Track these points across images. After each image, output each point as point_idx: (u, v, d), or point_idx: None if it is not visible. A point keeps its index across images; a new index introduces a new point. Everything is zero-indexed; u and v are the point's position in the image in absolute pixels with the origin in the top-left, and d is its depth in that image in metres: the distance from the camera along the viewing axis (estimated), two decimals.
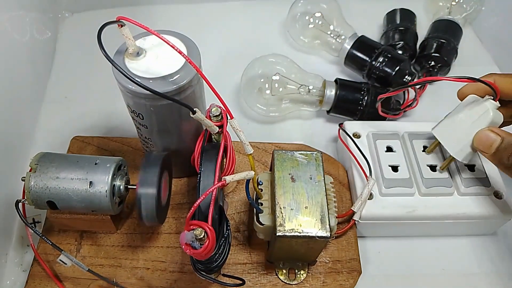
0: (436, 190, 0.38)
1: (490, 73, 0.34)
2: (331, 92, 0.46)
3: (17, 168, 0.41)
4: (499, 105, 0.33)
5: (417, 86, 0.50)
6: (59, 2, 0.59)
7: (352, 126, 0.43)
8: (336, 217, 0.33)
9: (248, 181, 0.31)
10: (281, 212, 0.31)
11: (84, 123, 0.48)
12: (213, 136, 0.34)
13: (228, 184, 0.28)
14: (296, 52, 0.56)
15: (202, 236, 0.26)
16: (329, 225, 0.31)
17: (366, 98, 0.46)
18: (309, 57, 0.55)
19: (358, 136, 0.42)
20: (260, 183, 0.34)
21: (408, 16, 0.53)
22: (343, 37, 0.50)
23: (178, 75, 0.30)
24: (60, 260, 0.32)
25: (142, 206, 0.31)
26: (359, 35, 0.50)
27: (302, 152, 0.34)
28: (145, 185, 0.31)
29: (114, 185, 0.32)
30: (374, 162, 0.40)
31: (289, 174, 0.33)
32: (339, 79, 0.47)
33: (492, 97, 0.33)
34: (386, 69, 0.47)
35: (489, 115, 0.32)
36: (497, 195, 0.38)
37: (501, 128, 0.33)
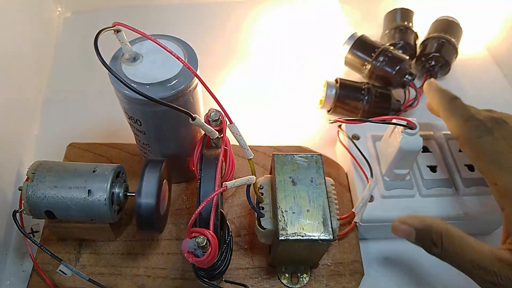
0: (436, 191, 0.38)
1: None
2: (331, 92, 0.46)
3: (14, 176, 0.40)
4: (415, 132, 0.34)
5: (418, 86, 0.49)
6: (59, 2, 0.58)
7: (351, 127, 0.42)
8: (338, 219, 0.33)
9: (248, 186, 0.30)
10: (283, 216, 0.30)
11: (80, 129, 0.47)
12: (212, 141, 0.34)
13: (228, 189, 0.27)
14: (296, 52, 0.55)
15: (204, 243, 0.25)
16: (332, 227, 0.30)
17: (366, 97, 0.45)
18: (309, 57, 0.55)
19: (357, 138, 0.42)
20: (261, 187, 0.34)
21: (408, 15, 0.53)
22: (343, 36, 0.49)
23: (176, 80, 0.29)
24: (59, 270, 0.32)
25: (142, 216, 0.30)
26: (359, 35, 0.49)
27: (302, 155, 0.34)
28: (144, 194, 0.30)
29: (113, 192, 0.32)
30: (374, 164, 0.39)
31: (290, 178, 0.32)
32: (340, 78, 0.47)
33: (407, 128, 0.34)
34: (387, 68, 0.47)
35: (398, 143, 0.35)
36: None
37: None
